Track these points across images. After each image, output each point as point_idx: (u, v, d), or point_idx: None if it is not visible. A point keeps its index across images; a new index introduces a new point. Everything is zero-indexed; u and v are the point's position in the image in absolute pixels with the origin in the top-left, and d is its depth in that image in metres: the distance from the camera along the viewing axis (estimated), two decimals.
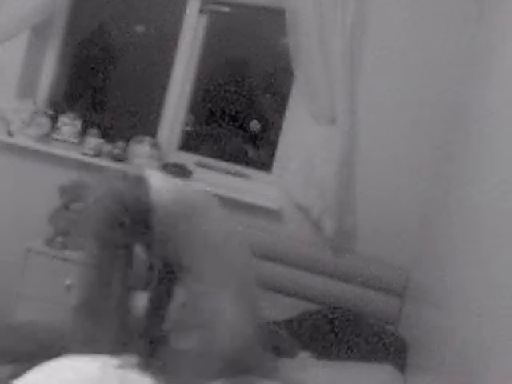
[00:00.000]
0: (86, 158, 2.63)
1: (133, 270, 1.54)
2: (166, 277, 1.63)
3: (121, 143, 2.70)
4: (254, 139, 2.89)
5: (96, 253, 1.46)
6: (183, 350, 1.46)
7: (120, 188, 1.48)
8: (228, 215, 1.63)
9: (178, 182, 1.62)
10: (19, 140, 2.70)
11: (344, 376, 1.78)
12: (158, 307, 1.64)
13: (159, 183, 1.51)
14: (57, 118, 2.75)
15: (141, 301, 1.63)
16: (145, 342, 1.52)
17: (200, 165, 2.72)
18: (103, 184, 1.51)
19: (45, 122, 2.73)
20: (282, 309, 2.29)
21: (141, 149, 2.63)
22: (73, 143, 2.72)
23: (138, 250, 1.55)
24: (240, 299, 1.49)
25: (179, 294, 1.63)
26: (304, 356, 1.99)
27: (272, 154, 2.65)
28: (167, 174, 1.69)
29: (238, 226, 2.44)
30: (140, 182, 1.49)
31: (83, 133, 2.77)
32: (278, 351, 1.96)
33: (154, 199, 1.46)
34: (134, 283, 1.59)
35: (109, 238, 1.45)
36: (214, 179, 2.66)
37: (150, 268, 1.63)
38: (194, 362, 1.40)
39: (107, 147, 2.70)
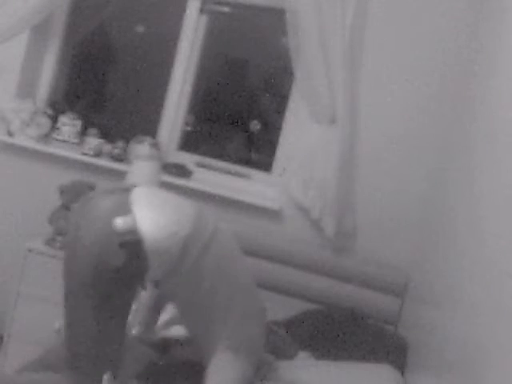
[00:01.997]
0: (86, 158, 2.63)
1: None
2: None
3: (121, 143, 2.69)
4: (254, 139, 2.89)
5: (94, 304, 1.35)
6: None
7: (106, 233, 1.33)
8: (226, 230, 1.50)
9: (169, 200, 1.47)
10: (19, 140, 2.70)
11: (344, 376, 1.78)
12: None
13: (147, 215, 1.35)
14: (57, 117, 2.75)
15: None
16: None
17: (200, 165, 2.72)
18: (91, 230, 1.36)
19: (45, 122, 2.73)
20: (282, 309, 2.29)
21: (141, 149, 2.63)
22: (73, 143, 2.72)
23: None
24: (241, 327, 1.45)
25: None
26: (304, 356, 1.99)
27: (272, 154, 2.65)
28: (163, 180, 1.60)
29: (239, 227, 2.45)
30: (131, 236, 1.32)
31: (83, 133, 2.77)
32: (278, 351, 1.96)
33: (146, 251, 1.32)
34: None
35: (109, 286, 1.35)
36: (213, 179, 2.66)
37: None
38: None
39: (107, 147, 2.70)
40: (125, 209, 1.34)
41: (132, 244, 1.31)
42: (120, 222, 1.31)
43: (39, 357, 1.69)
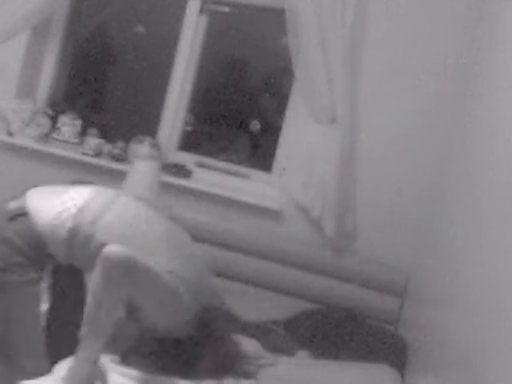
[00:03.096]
0: (86, 158, 2.63)
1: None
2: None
3: (121, 143, 2.69)
4: (254, 139, 2.89)
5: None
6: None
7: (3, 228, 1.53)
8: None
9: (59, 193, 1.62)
10: (19, 140, 2.70)
11: (343, 376, 1.78)
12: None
13: (44, 210, 1.53)
14: (57, 117, 2.75)
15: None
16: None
17: (200, 165, 2.72)
18: None
19: (45, 122, 2.73)
20: (282, 309, 2.29)
21: (141, 149, 2.63)
22: (73, 143, 2.72)
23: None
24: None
25: None
26: (303, 356, 1.99)
27: (272, 154, 2.65)
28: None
29: (239, 228, 2.45)
30: (21, 214, 1.52)
31: (83, 133, 2.77)
32: (277, 350, 1.96)
33: (43, 231, 1.49)
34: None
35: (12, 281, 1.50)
36: (213, 179, 2.66)
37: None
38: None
39: (107, 147, 2.70)
40: (19, 197, 1.60)
41: (21, 218, 1.51)
42: (11, 203, 1.58)
43: None
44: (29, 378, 1.41)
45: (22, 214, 1.52)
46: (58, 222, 1.50)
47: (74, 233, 1.49)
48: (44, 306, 1.62)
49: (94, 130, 2.77)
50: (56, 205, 1.54)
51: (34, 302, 1.55)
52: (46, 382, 1.40)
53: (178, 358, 1.55)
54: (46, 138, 2.74)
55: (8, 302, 1.52)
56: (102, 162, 2.62)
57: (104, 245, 1.39)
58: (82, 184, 1.74)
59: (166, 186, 2.23)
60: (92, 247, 1.47)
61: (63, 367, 1.45)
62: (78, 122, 2.75)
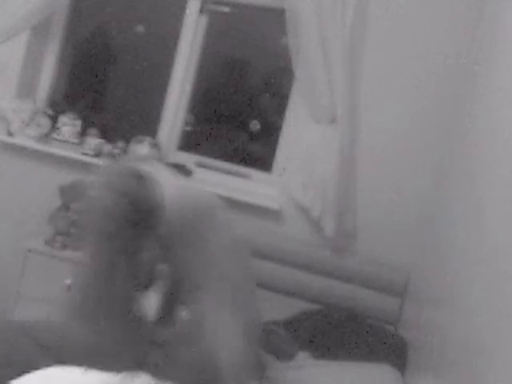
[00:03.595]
0: (86, 158, 2.63)
1: (138, 270, 1.50)
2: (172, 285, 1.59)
3: (121, 143, 2.69)
4: (254, 139, 2.88)
5: (98, 250, 1.40)
6: (182, 362, 1.45)
7: (126, 182, 1.40)
8: (231, 219, 1.58)
9: (186, 183, 1.58)
10: (19, 140, 2.70)
11: (343, 376, 1.79)
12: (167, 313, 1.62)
13: (168, 182, 1.44)
14: (57, 117, 2.75)
15: (149, 307, 1.60)
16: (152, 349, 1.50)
17: (200, 165, 2.72)
18: (109, 176, 1.44)
19: (45, 122, 2.73)
20: (282, 309, 2.29)
21: (141, 149, 2.63)
22: (73, 143, 2.72)
23: (146, 252, 1.50)
24: (239, 312, 1.45)
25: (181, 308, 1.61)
26: (303, 356, 1.99)
27: (272, 154, 2.65)
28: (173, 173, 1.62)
29: (239, 228, 2.45)
30: (147, 178, 1.41)
31: (83, 133, 2.77)
32: (278, 351, 1.96)
33: (161, 198, 1.37)
34: (139, 285, 1.55)
35: (113, 233, 1.38)
36: (214, 179, 2.66)
37: (155, 271, 1.60)
38: (191, 374, 1.38)
39: (107, 147, 2.70)
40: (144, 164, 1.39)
41: (148, 182, 1.32)
42: (140, 165, 1.34)
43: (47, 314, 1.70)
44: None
45: (145, 177, 1.38)
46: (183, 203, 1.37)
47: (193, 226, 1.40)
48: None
49: (93, 130, 2.77)
50: (186, 189, 1.42)
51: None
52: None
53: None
54: (45, 138, 2.74)
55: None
56: (102, 162, 2.62)
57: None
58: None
59: None
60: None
61: None
62: (78, 122, 2.75)
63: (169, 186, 1.37)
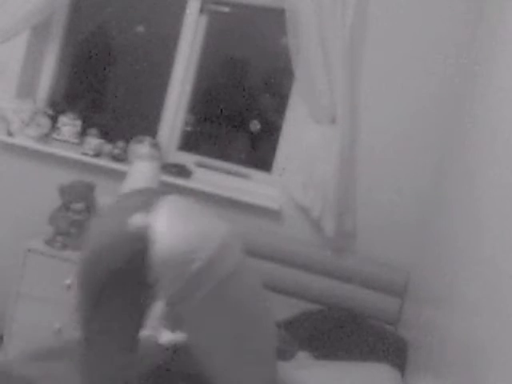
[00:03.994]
0: (86, 158, 2.63)
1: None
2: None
3: (121, 143, 2.69)
4: (254, 139, 2.88)
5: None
6: None
7: (119, 240, 1.21)
8: (251, 267, 1.30)
9: (199, 216, 1.28)
10: (19, 140, 2.70)
11: (343, 376, 1.78)
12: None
13: (168, 220, 1.19)
14: (57, 117, 2.75)
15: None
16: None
17: (200, 165, 2.72)
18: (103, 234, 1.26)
19: (45, 122, 2.73)
20: (282, 309, 2.29)
21: (141, 149, 2.63)
22: (73, 143, 2.72)
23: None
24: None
25: None
26: (303, 356, 1.99)
27: (272, 154, 2.65)
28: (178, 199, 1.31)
29: (239, 228, 2.45)
30: (142, 234, 1.18)
31: (83, 133, 2.77)
32: (278, 351, 1.96)
33: (153, 256, 1.16)
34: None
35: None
36: (213, 179, 2.66)
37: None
38: None
39: (107, 147, 2.70)
40: (146, 208, 1.22)
41: (141, 240, 1.18)
42: (136, 216, 1.20)
43: (38, 347, 1.67)
44: None
45: (143, 237, 1.19)
46: (182, 257, 1.15)
47: (197, 280, 1.16)
48: None
49: (93, 130, 2.77)
50: (186, 237, 1.18)
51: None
52: None
53: None
54: (46, 137, 2.74)
55: None
56: (102, 161, 2.62)
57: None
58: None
59: (166, 186, 2.23)
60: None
61: None
62: (78, 122, 2.75)
63: (164, 240, 1.15)
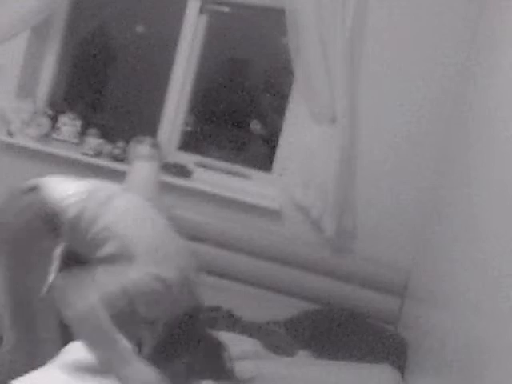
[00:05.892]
0: (86, 158, 2.63)
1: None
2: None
3: (121, 143, 2.70)
4: (254, 139, 2.89)
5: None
6: None
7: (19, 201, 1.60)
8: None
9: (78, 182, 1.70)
10: (19, 140, 2.70)
11: (343, 376, 1.79)
12: None
13: (57, 189, 1.61)
14: (57, 117, 2.75)
15: None
16: None
17: (200, 165, 2.72)
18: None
19: (45, 122, 2.73)
20: (282, 309, 2.29)
21: (141, 149, 2.63)
22: (73, 143, 2.72)
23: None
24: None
25: None
26: (303, 356, 1.99)
27: (272, 154, 2.65)
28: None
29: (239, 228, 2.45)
30: (37, 190, 1.59)
31: (83, 133, 2.77)
32: (278, 351, 1.96)
33: (54, 205, 1.55)
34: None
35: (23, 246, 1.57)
36: (214, 179, 2.66)
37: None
38: None
39: (107, 147, 2.70)
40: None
41: (34, 192, 1.58)
42: (25, 182, 1.64)
43: None
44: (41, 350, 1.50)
45: (35, 188, 1.60)
46: (68, 200, 1.57)
47: (80, 212, 1.55)
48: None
49: (93, 130, 2.77)
50: (68, 187, 1.63)
51: (43, 270, 1.61)
52: (48, 371, 1.40)
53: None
54: (46, 137, 2.74)
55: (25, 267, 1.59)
56: (102, 161, 2.62)
57: (106, 229, 1.52)
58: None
59: (165, 186, 2.23)
60: (95, 229, 1.53)
61: (69, 351, 1.50)
62: (78, 122, 2.75)
63: (53, 191, 1.59)
